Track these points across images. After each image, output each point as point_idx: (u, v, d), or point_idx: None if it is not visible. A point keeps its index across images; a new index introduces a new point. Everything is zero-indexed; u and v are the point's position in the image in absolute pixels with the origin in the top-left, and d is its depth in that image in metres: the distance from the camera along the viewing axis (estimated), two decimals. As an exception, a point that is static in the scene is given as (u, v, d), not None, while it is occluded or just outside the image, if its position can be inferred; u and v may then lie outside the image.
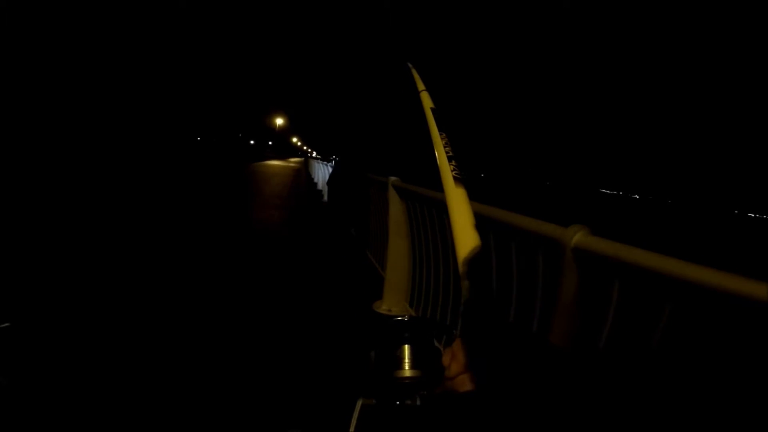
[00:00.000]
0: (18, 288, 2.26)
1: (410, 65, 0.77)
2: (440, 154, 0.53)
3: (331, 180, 4.59)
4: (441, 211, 1.98)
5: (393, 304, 2.76)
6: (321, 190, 9.80)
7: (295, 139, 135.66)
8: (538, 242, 1.11)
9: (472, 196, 0.50)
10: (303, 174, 18.64)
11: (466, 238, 0.42)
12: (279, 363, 1.86)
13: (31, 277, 2.47)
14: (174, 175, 11.57)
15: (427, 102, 0.63)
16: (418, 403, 0.34)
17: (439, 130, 0.56)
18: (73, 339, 1.80)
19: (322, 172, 10.92)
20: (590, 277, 0.95)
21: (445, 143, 0.54)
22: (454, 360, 0.33)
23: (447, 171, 0.51)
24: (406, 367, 0.36)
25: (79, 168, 9.52)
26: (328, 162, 10.16)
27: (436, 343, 0.42)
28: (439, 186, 0.52)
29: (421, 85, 0.67)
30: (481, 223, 0.45)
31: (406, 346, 0.37)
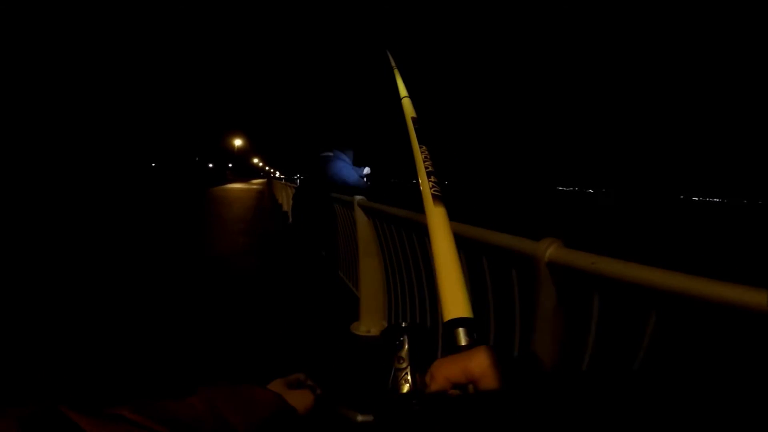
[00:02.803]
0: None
1: (391, 59, 0.73)
2: (420, 169, 0.50)
3: (296, 200, 4.47)
4: (410, 228, 1.94)
5: (371, 324, 2.68)
6: (286, 212, 9.58)
7: (256, 160, 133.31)
8: (510, 257, 1.08)
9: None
10: (267, 196, 18.23)
11: (454, 302, 0.38)
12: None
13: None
14: (128, 206, 10.96)
15: (408, 110, 0.59)
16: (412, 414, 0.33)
17: (420, 142, 0.53)
18: None
19: (286, 193, 10.71)
20: (568, 291, 0.93)
21: (425, 157, 0.51)
22: (432, 381, 0.32)
23: (426, 188, 0.47)
24: (405, 355, 0.36)
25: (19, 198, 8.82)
26: (292, 182, 9.99)
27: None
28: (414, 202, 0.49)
29: (403, 91, 0.64)
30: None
31: (406, 337, 0.36)
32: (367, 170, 3.71)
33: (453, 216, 0.50)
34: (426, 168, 0.49)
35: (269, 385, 0.53)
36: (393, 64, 0.72)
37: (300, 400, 0.51)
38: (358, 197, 2.74)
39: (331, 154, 3.64)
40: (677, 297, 0.67)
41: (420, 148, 0.52)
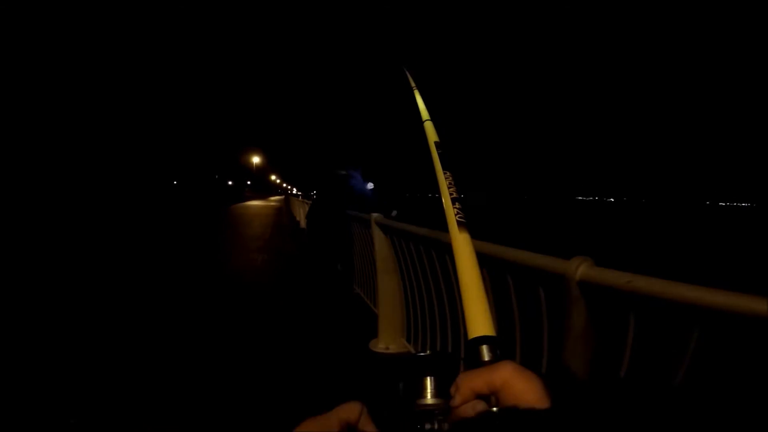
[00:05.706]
0: None
1: (410, 78, 0.71)
2: (444, 195, 0.50)
3: (311, 216, 4.53)
4: (428, 245, 1.92)
5: (390, 341, 2.64)
6: (303, 229, 9.66)
7: (273, 177, 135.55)
8: (537, 276, 1.05)
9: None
10: (284, 212, 18.46)
11: (477, 321, 0.41)
12: (283, 416, 1.70)
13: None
14: (152, 223, 11.25)
15: (431, 134, 0.58)
16: (437, 427, 0.35)
17: (443, 167, 0.52)
18: None
19: (303, 210, 10.81)
20: (600, 311, 0.89)
21: (449, 183, 0.51)
22: (458, 392, 0.33)
23: (451, 214, 0.48)
24: (428, 395, 0.37)
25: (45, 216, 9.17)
26: (308, 198, 10.08)
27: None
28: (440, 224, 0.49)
29: (425, 114, 0.62)
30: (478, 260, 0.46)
31: (429, 378, 0.37)
32: (370, 185, 3.85)
33: (474, 232, 0.50)
34: (450, 194, 0.50)
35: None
36: (412, 84, 0.70)
37: None
38: (375, 215, 2.75)
39: (344, 172, 3.79)
40: (722, 315, 0.63)
41: (444, 173, 0.52)
